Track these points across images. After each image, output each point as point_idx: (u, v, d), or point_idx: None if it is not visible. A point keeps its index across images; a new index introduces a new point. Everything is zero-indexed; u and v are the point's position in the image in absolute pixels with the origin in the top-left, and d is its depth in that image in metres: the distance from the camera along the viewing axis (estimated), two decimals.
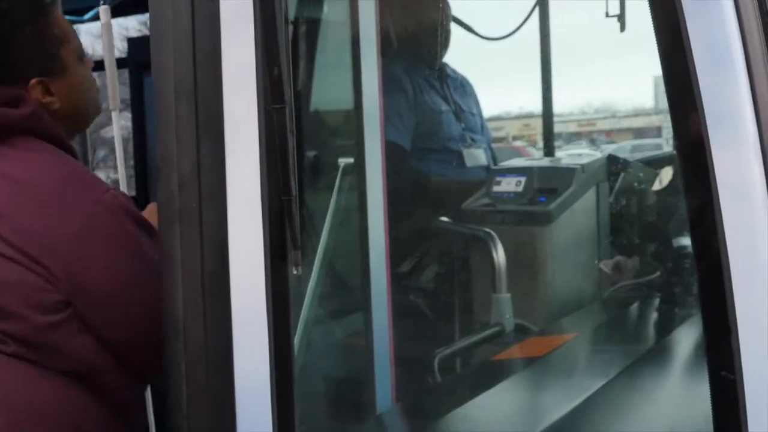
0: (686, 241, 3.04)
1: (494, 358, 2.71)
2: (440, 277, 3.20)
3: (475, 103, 4.01)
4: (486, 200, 3.52)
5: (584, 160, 3.45)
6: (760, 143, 1.43)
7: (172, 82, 1.78)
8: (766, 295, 1.39)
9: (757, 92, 1.44)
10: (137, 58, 5.20)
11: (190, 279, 1.79)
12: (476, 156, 3.84)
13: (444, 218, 3.31)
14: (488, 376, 2.61)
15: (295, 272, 1.70)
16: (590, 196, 3.41)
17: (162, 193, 1.81)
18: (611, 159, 3.54)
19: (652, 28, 1.46)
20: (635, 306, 3.33)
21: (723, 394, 1.45)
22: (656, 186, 3.54)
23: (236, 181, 1.75)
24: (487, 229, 3.08)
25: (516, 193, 3.46)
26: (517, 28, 4.11)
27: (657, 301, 3.21)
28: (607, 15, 3.34)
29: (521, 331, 2.96)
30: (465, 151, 3.73)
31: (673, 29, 1.46)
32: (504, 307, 2.94)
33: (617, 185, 3.53)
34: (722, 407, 1.46)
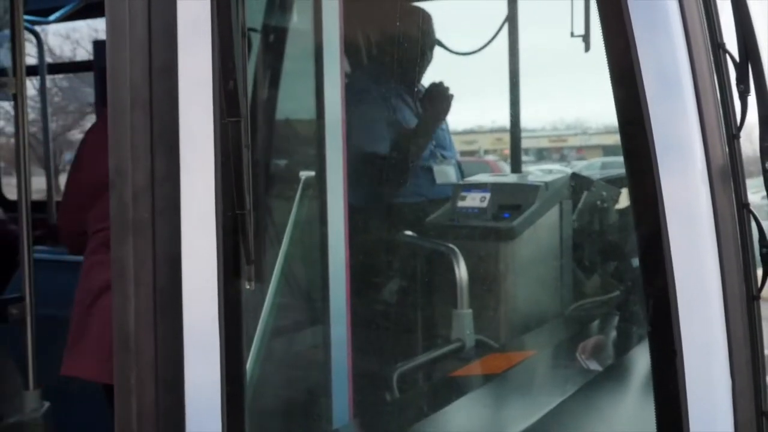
0: None
1: (453, 374, 2.70)
2: (401, 291, 3.19)
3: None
4: (450, 215, 3.51)
5: (550, 177, 3.46)
6: (707, 171, 1.44)
7: (127, 92, 1.77)
8: (711, 318, 1.39)
9: (705, 121, 1.45)
10: (104, 61, 5.14)
11: (142, 292, 1.77)
12: (446, 172, 3.84)
13: (408, 232, 3.30)
14: (447, 392, 2.60)
15: (248, 287, 1.69)
16: (553, 213, 3.41)
17: (115, 204, 1.80)
18: (575, 177, 3.55)
19: (606, 56, 1.47)
20: (595, 324, 3.34)
21: (668, 415, 1.45)
22: (618, 205, 3.56)
23: (191, 194, 1.74)
24: (450, 245, 3.07)
25: (480, 209, 3.46)
26: (487, 44, 4.12)
27: (616, 319, 3.22)
28: (572, 35, 3.36)
29: (482, 347, 2.96)
30: (435, 168, 3.74)
31: (625, 58, 1.47)
32: (465, 323, 2.94)
33: (580, 203, 3.54)
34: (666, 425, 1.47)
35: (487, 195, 3.48)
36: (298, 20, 2.61)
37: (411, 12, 3.76)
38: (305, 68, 2.41)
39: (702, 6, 1.52)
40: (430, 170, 3.77)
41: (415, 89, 3.82)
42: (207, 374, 1.72)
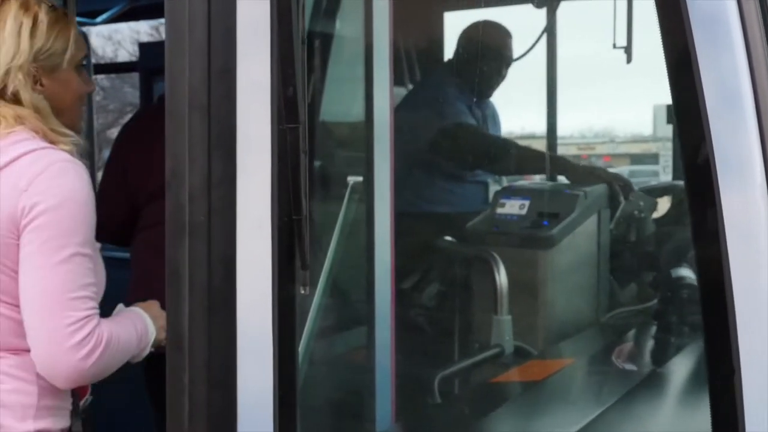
0: (684, 271, 3.04)
1: (494, 381, 2.71)
2: (442, 296, 3.20)
3: (499, 134, 4.09)
4: (489, 222, 3.52)
5: (588, 187, 3.46)
6: (767, 186, 1.44)
7: (185, 95, 1.79)
8: None
9: (765, 137, 1.45)
10: (148, 63, 5.19)
11: (196, 293, 1.79)
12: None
13: (449, 238, 3.31)
14: (488, 398, 2.61)
15: (303, 292, 1.70)
16: (592, 222, 3.41)
17: (171, 205, 1.82)
18: (613, 187, 3.54)
19: (666, 73, 1.47)
20: (632, 332, 3.33)
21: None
22: (656, 214, 3.56)
23: (246, 198, 1.75)
24: (491, 251, 3.08)
25: (519, 216, 3.46)
26: (525, 53, 4.13)
27: (654, 329, 3.21)
28: (614, 46, 3.36)
29: (521, 354, 2.96)
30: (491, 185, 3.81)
31: (687, 74, 1.47)
32: (504, 329, 2.94)
33: (618, 212, 3.53)
34: None
35: (527, 202, 3.48)
36: (347, 25, 2.63)
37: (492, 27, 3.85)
38: (354, 73, 2.43)
39: (763, 20, 1.53)
40: (485, 185, 3.84)
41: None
42: (259, 376, 1.74)
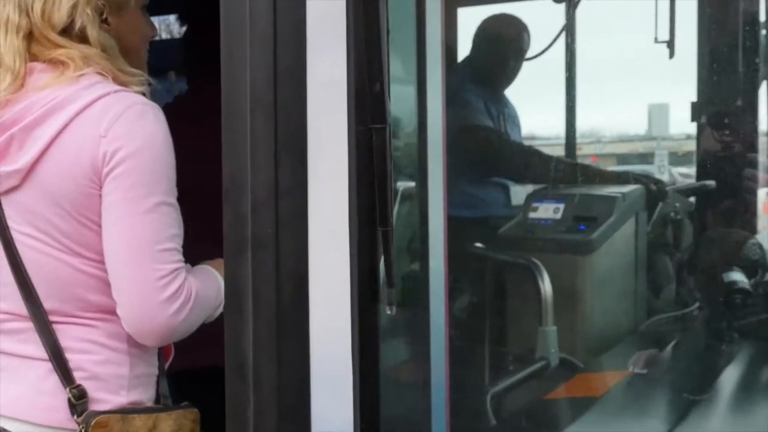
0: (736, 275, 2.90)
1: (548, 397, 2.55)
2: (480, 307, 3.04)
3: (519, 136, 3.94)
4: (522, 227, 3.36)
5: (624, 188, 3.31)
6: None
7: (246, 94, 1.61)
8: None
9: None
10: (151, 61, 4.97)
11: (262, 314, 1.62)
12: (518, 192, 3.77)
13: (480, 245, 3.15)
14: (544, 417, 2.44)
15: (389, 312, 1.53)
16: (630, 225, 3.26)
17: (230, 216, 1.64)
18: (649, 188, 3.40)
19: None
20: (675, 340, 3.19)
21: None
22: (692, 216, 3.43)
23: (320, 207, 1.58)
24: (533, 259, 2.92)
25: (554, 221, 3.31)
26: (541, 52, 3.99)
27: (699, 335, 3.07)
28: (656, 41, 3.22)
29: (566, 367, 2.80)
30: (512, 187, 3.65)
31: None
32: (550, 341, 2.79)
33: (655, 215, 3.39)
34: None
35: (561, 206, 3.33)
36: (400, 25, 2.46)
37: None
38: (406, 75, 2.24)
39: None
40: (506, 187, 3.69)
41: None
42: (337, 406, 1.57)
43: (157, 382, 1.77)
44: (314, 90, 1.57)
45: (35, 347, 1.63)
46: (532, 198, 3.41)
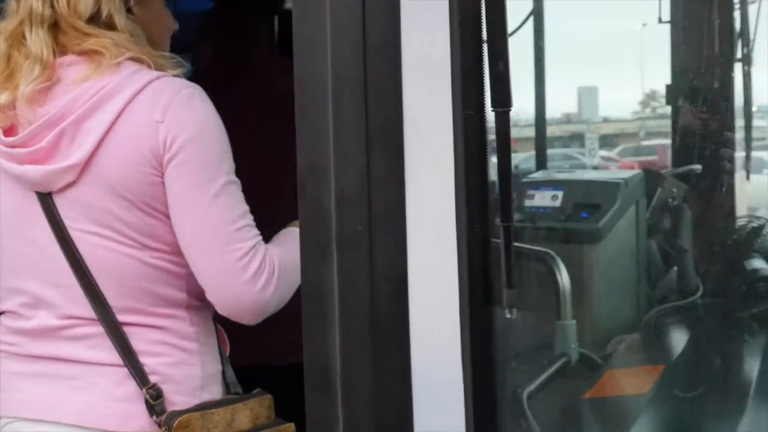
0: (758, 263, 2.81)
1: (588, 396, 2.41)
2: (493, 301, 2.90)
3: None
4: (518, 216, 3.23)
5: (625, 174, 3.20)
6: None
7: (327, 70, 1.43)
8: None
9: None
10: None
11: (352, 320, 1.44)
12: None
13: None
14: (588, 418, 2.31)
15: (508, 316, 1.37)
16: (632, 212, 3.15)
17: (308, 211, 1.47)
18: (648, 174, 3.30)
19: None
20: (683, 329, 3.09)
21: None
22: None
23: (420, 200, 1.41)
24: (548, 250, 2.78)
25: (554, 209, 3.18)
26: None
27: (712, 323, 2.97)
28: (660, 21, 3.10)
29: (585, 363, 2.67)
30: None
31: None
32: (570, 335, 2.65)
33: (654, 201, 3.29)
34: None
35: (560, 193, 3.20)
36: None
37: None
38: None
39: None
40: None
41: None
42: (444, 423, 1.40)
43: (223, 373, 1.71)
44: (410, 67, 1.40)
45: (108, 352, 1.58)
46: (526, 185, 3.27)
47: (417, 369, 1.40)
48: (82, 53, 1.58)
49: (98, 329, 1.58)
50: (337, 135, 1.43)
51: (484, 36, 1.36)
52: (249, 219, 1.60)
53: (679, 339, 2.87)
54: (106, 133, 1.53)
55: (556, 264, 2.70)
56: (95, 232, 1.56)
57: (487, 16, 1.29)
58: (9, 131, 1.58)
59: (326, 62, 1.42)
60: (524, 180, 3.35)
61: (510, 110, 1.29)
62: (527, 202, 3.22)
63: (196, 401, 1.61)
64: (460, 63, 1.37)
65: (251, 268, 1.57)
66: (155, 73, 1.59)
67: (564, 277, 2.64)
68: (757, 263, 2.81)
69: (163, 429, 1.55)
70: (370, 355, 1.42)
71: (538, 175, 3.29)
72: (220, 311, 1.61)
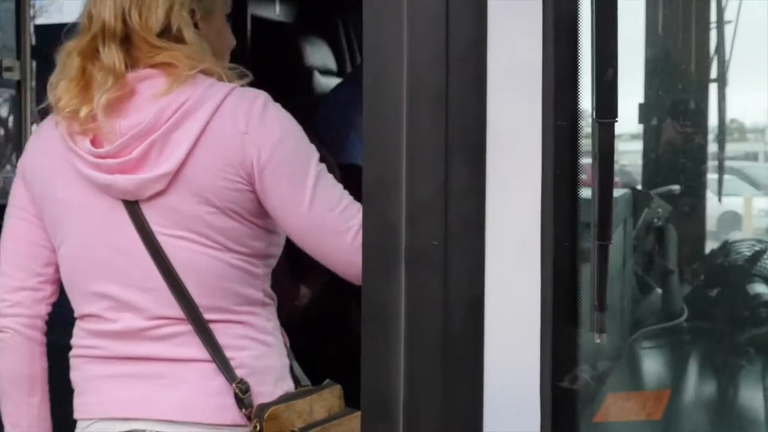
0: (761, 287, 2.77)
1: (599, 420, 2.33)
2: None
3: None
4: None
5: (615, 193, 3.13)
6: None
7: (402, 77, 1.33)
8: None
9: None
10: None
11: (419, 345, 1.34)
12: None
13: None
14: None
15: (597, 341, 1.27)
16: (619, 232, 3.09)
17: (373, 225, 1.36)
18: (636, 193, 3.25)
19: None
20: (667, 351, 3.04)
21: None
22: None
23: (501, 216, 1.32)
24: None
25: None
26: None
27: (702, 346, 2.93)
28: None
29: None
30: None
31: None
32: None
33: (640, 221, 3.24)
34: None
35: None
36: None
37: None
38: None
39: None
40: None
41: None
42: None
43: (290, 367, 1.76)
44: (496, 72, 1.29)
45: (196, 349, 1.62)
46: None
47: (491, 400, 1.31)
48: (155, 66, 1.63)
49: (185, 328, 1.62)
50: (411, 144, 1.32)
51: (581, 40, 1.26)
52: (346, 194, 1.64)
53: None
54: (194, 145, 1.58)
55: None
56: (183, 236, 1.61)
57: (597, 17, 1.19)
58: (94, 142, 1.62)
59: (401, 67, 1.32)
60: None
61: (616, 121, 1.20)
62: None
63: (278, 392, 1.66)
64: (554, 68, 1.27)
65: (354, 230, 1.61)
66: (229, 85, 1.64)
67: None
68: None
69: (255, 421, 1.60)
70: (440, 384, 1.31)
71: None
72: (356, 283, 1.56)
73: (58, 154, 1.65)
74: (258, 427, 1.60)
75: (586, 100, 1.28)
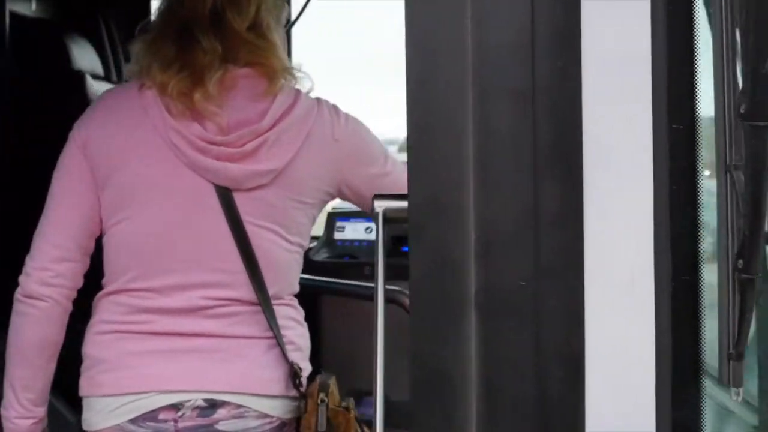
0: None
1: None
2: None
3: None
4: (329, 250, 2.89)
5: None
6: None
7: (468, 78, 1.03)
8: None
9: None
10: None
11: (500, 417, 1.04)
12: None
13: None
14: None
15: (733, 398, 1.03)
16: None
17: (429, 264, 1.07)
18: None
19: None
20: None
21: None
22: None
23: (605, 246, 1.05)
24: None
25: (370, 242, 2.89)
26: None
27: None
28: None
29: None
30: None
31: None
32: None
33: None
34: None
35: (374, 225, 2.90)
36: None
37: None
38: None
39: None
40: None
41: None
42: None
43: None
44: (593, 69, 1.02)
45: (255, 327, 1.70)
46: (333, 216, 2.94)
47: None
48: (249, 65, 1.70)
49: (247, 308, 1.70)
50: (482, 157, 1.02)
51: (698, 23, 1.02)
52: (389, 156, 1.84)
53: None
54: (300, 147, 1.69)
55: None
56: (269, 228, 1.70)
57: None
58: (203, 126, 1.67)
59: (465, 62, 1.02)
60: (330, 211, 3.00)
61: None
62: (337, 235, 2.90)
63: (309, 368, 1.76)
64: (666, 63, 1.02)
65: None
66: (312, 92, 1.76)
67: None
68: None
69: (321, 394, 1.71)
70: None
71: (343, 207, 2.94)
72: None
73: (146, 129, 1.68)
74: (325, 400, 1.71)
75: (706, 98, 1.04)
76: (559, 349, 1.04)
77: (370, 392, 1.65)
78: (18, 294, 1.71)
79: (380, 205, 1.77)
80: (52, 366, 1.75)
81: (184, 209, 1.70)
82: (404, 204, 1.65)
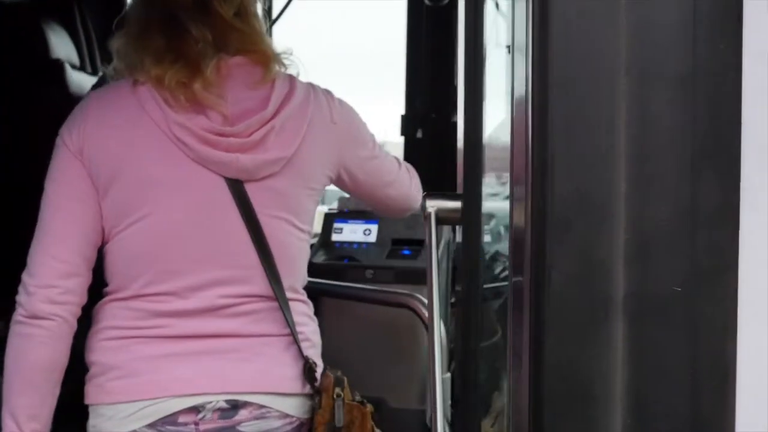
0: None
1: None
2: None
3: None
4: (326, 252, 2.80)
5: None
6: None
7: (621, 63, 0.95)
8: None
9: None
10: None
11: (649, 428, 0.96)
12: None
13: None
14: None
15: None
16: (444, 246, 2.84)
17: (572, 266, 0.98)
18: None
19: None
20: None
21: None
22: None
23: (761, 246, 0.97)
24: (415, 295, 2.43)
25: (369, 244, 2.81)
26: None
27: None
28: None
29: None
30: None
31: None
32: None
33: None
34: None
35: (374, 226, 2.83)
36: None
37: None
38: None
39: None
40: None
41: None
42: None
43: None
44: (755, 56, 0.95)
45: (273, 324, 1.68)
46: (331, 217, 2.85)
47: None
48: (241, 52, 1.66)
49: (265, 305, 1.67)
50: (635, 150, 0.94)
51: None
52: (394, 157, 1.88)
53: None
54: (306, 134, 1.67)
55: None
56: (282, 217, 1.66)
57: None
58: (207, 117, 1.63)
59: (618, 45, 0.93)
60: (327, 212, 2.92)
61: None
62: (335, 236, 2.84)
63: (322, 364, 1.73)
64: None
65: (414, 179, 1.88)
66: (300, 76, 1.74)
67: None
68: None
69: (337, 389, 1.69)
70: None
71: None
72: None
73: (145, 126, 1.61)
74: (341, 395, 1.69)
75: None
76: (714, 360, 0.96)
77: (368, 396, 1.75)
78: (19, 316, 1.60)
79: (432, 205, 1.70)
80: (58, 392, 1.65)
81: (195, 206, 1.64)
82: (457, 204, 1.58)
